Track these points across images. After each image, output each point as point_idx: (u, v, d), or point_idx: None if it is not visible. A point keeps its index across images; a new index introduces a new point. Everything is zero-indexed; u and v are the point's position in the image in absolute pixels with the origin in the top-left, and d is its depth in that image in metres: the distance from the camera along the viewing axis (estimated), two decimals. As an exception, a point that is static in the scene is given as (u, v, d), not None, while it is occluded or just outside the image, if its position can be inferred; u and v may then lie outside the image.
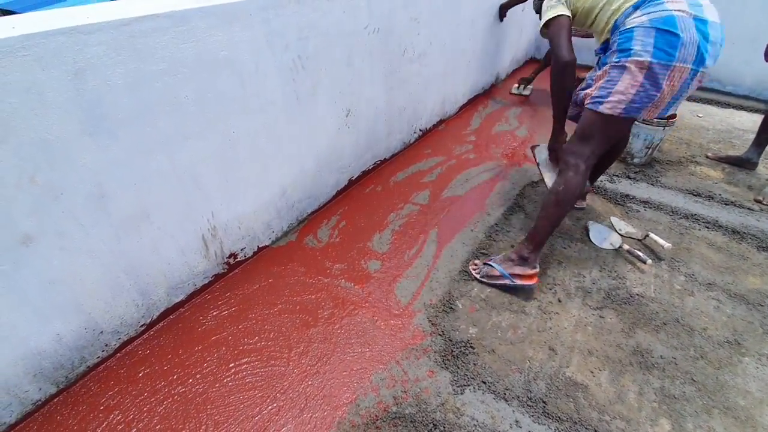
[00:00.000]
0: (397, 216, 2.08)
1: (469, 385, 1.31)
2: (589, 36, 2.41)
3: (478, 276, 1.70)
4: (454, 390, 1.30)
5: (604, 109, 1.45)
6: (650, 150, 2.52)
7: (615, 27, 1.45)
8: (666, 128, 2.39)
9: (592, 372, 1.38)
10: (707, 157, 2.69)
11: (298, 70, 1.62)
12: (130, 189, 1.22)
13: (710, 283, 1.73)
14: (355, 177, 2.28)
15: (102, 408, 1.23)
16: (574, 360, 1.42)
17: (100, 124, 1.09)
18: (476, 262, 1.76)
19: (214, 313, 1.53)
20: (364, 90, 2.06)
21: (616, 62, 1.41)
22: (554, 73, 1.65)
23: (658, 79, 1.33)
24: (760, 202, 2.24)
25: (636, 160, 2.54)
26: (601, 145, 1.58)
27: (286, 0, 1.46)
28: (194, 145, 1.35)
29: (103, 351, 1.33)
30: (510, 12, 3.36)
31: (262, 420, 1.21)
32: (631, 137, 2.50)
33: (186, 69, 1.23)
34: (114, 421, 1.20)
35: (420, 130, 2.79)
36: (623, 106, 1.42)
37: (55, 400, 1.24)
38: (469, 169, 2.51)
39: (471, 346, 1.44)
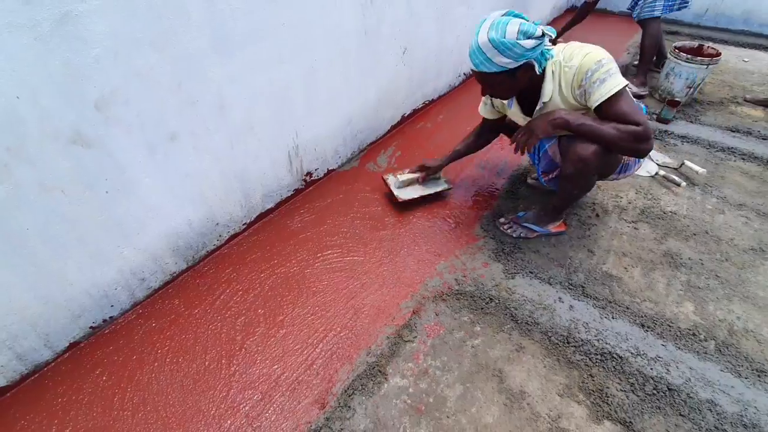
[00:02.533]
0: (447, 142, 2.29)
1: (518, 273, 1.56)
2: None
3: (514, 235, 1.69)
4: (506, 276, 1.55)
5: (616, 177, 1.59)
6: (691, 90, 2.59)
7: None
8: (709, 66, 2.45)
9: (625, 268, 1.60)
10: (745, 99, 2.73)
11: (367, 6, 1.81)
12: (241, 103, 1.47)
13: (741, 204, 1.89)
14: (408, 114, 2.49)
15: (224, 280, 1.55)
16: (609, 259, 1.63)
17: (224, 43, 1.33)
18: (502, 220, 1.74)
19: (299, 219, 1.81)
20: (419, 29, 2.22)
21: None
22: (626, 145, 1.27)
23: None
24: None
25: (677, 99, 2.62)
26: None
27: (362, -63, 1.63)
28: (287, 69, 1.58)
29: (218, 240, 1.64)
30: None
31: (349, 291, 1.50)
32: (672, 77, 2.58)
33: (283, 0, 1.45)
34: (233, 290, 1.51)
35: (464, 73, 2.93)
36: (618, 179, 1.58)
37: (186, 273, 1.57)
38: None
39: (518, 247, 1.68)
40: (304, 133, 1.80)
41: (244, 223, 1.72)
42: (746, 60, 3.31)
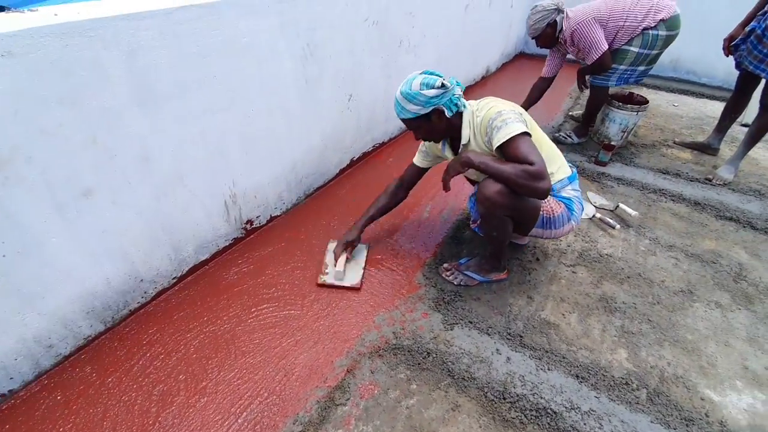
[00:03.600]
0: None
1: (457, 324, 1.54)
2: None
3: (455, 282, 1.71)
4: (444, 327, 1.52)
5: (539, 232, 1.61)
6: (625, 134, 2.75)
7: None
8: (639, 113, 2.63)
9: (563, 314, 1.61)
10: (674, 142, 2.93)
11: (307, 57, 1.84)
12: (168, 154, 1.43)
13: (671, 245, 1.97)
14: (357, 157, 2.50)
15: (145, 342, 1.44)
16: (548, 305, 1.64)
17: (147, 96, 1.30)
18: (446, 266, 1.76)
19: (235, 270, 1.74)
20: (364, 77, 2.27)
21: (567, 213, 1.56)
22: (522, 182, 1.31)
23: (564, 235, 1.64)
24: (709, 180, 2.47)
25: (612, 143, 2.77)
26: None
27: (298, -6, 1.67)
28: (221, 119, 1.56)
29: (142, 297, 1.54)
30: (499, 6, 3.58)
31: (281, 350, 1.42)
32: (608, 122, 2.74)
33: (215, 52, 1.44)
34: (156, 352, 1.41)
35: (415, 117, 3.01)
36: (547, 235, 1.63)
37: (103, 336, 1.45)
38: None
39: (459, 295, 1.67)
40: (242, 182, 1.76)
41: (174, 278, 1.63)
42: (676, 105, 3.59)
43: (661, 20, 2.30)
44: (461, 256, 1.87)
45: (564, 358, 1.43)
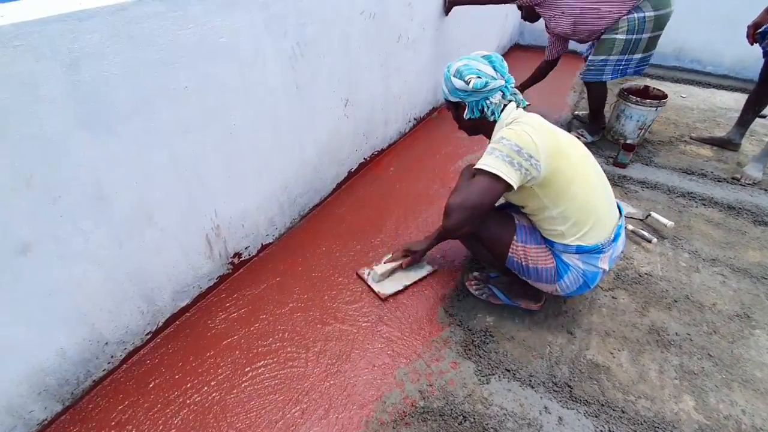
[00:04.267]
0: (401, 208, 2.04)
1: (493, 374, 1.30)
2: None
3: (476, 294, 1.55)
4: (479, 380, 1.28)
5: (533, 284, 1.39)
6: (642, 131, 2.55)
7: (550, 243, 1.29)
8: (658, 108, 2.42)
9: (611, 353, 1.38)
10: (691, 138, 2.74)
11: (297, 58, 1.55)
12: (131, 188, 1.13)
13: (714, 259, 1.77)
14: (355, 169, 2.23)
15: (113, 424, 1.15)
16: (593, 342, 1.42)
17: (98, 118, 1.01)
18: (476, 275, 1.60)
19: (223, 316, 1.46)
20: (361, 78, 1.99)
21: (552, 275, 1.30)
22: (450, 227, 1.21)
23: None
24: (737, 180, 2.29)
25: (629, 141, 2.56)
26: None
27: (285, -17, 1.38)
28: (195, 138, 1.27)
29: (109, 363, 1.25)
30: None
31: (285, 424, 1.16)
32: (624, 119, 2.53)
33: (185, 57, 1.15)
34: (128, 437, 1.13)
35: (414, 118, 2.75)
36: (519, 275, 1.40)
37: (62, 418, 1.16)
38: (466, 156, 2.49)
39: (490, 335, 1.43)
40: (225, 210, 1.47)
41: (149, 333, 1.34)
42: (684, 96, 3.41)
43: (637, 6, 2.12)
44: (487, 281, 1.62)
45: (624, 412, 1.21)
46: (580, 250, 1.25)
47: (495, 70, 1.23)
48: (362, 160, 2.29)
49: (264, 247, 1.73)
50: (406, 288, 1.58)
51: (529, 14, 2.50)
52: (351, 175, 2.21)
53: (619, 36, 2.18)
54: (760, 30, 2.17)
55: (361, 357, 1.34)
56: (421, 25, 2.37)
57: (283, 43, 1.46)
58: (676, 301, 1.57)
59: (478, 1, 2.56)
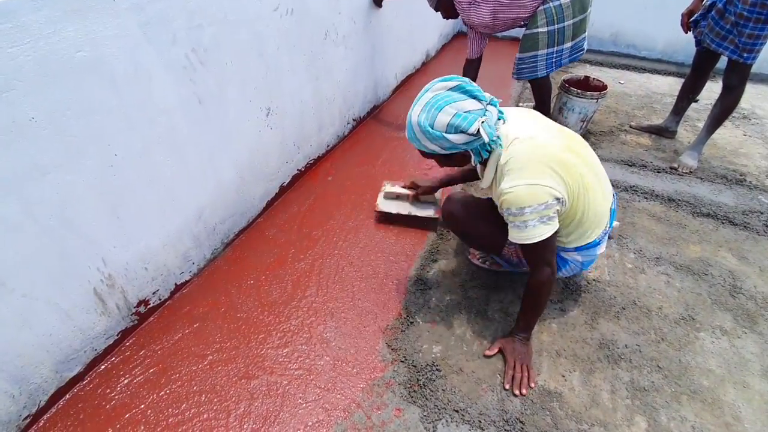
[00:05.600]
0: (341, 224, 1.86)
1: (440, 419, 1.17)
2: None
3: (482, 265, 1.63)
4: (425, 428, 1.15)
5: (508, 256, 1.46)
6: (585, 123, 2.51)
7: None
8: (599, 100, 2.39)
9: (563, 376, 1.31)
10: (630, 127, 2.75)
11: (195, 67, 1.31)
12: (-36, 255, 0.88)
13: (657, 257, 1.74)
14: (287, 182, 2.02)
15: None
16: (544, 365, 1.33)
17: None
18: (475, 253, 1.66)
19: (126, 381, 1.23)
20: (284, 83, 1.77)
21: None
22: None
23: None
24: (675, 169, 2.30)
25: (572, 134, 2.51)
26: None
27: (164, -22, 1.13)
28: (59, 180, 1.02)
29: (-32, 468, 1.00)
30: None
31: None
32: (566, 112, 2.48)
33: (23, 81, 0.89)
34: None
35: (353, 119, 2.55)
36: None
37: None
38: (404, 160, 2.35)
39: (437, 369, 1.30)
40: (118, 256, 1.23)
41: (27, 417, 1.10)
42: (622, 82, 3.44)
43: None
44: (430, 305, 1.50)
45: (577, 446, 1.13)
46: (579, 249, 1.30)
47: (478, 99, 1.07)
48: (296, 172, 2.08)
49: (179, 287, 1.50)
50: (399, 216, 1.76)
51: (448, 10, 2.24)
52: (283, 189, 2.00)
53: (540, 30, 2.05)
54: (692, 18, 2.16)
55: (292, 416, 1.17)
56: (352, 18, 2.17)
57: (172, 52, 1.22)
58: (624, 309, 1.52)
59: None
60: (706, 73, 2.35)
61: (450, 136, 1.05)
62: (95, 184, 1.11)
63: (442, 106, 1.04)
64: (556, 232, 1.13)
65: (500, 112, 1.11)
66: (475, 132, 1.03)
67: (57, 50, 0.94)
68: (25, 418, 1.10)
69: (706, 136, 2.30)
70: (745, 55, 1.97)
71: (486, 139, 1.05)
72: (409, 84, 3.30)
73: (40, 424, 1.13)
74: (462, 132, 1.04)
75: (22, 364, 1.06)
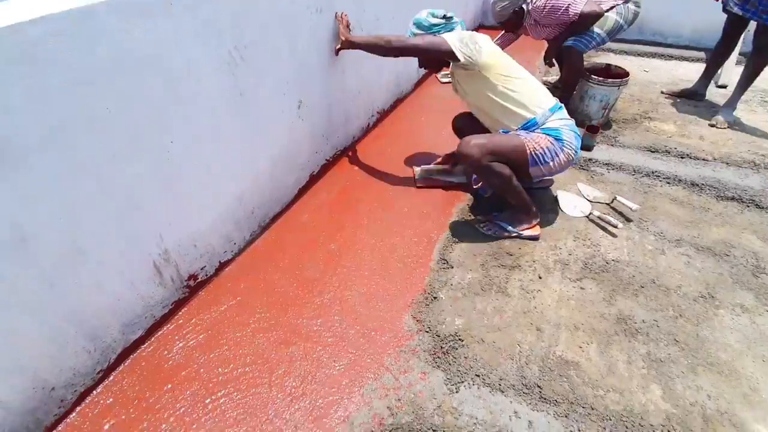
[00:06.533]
0: (368, 209, 1.98)
1: (463, 382, 1.27)
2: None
3: (489, 233, 1.81)
4: (448, 389, 1.25)
5: (538, 170, 1.69)
6: (606, 111, 2.53)
7: (533, 122, 1.63)
8: (620, 87, 2.41)
9: (581, 347, 1.38)
10: (662, 93, 2.94)
11: (237, 63, 1.45)
12: (56, 225, 1.04)
13: (678, 240, 1.77)
14: (317, 171, 2.15)
15: (64, 475, 1.08)
16: (562, 337, 1.41)
17: (4, 154, 0.90)
18: (481, 218, 1.87)
19: (181, 345, 1.39)
20: (314, 77, 1.90)
21: (557, 143, 1.63)
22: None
23: (568, 165, 1.72)
24: (713, 126, 2.53)
25: (594, 122, 2.54)
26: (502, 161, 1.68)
27: (213, -16, 1.27)
28: (125, 164, 1.17)
29: (59, 408, 1.17)
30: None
31: (250, 457, 1.11)
32: (587, 99, 2.51)
33: (102, 76, 1.04)
34: (80, 488, 1.06)
35: (377, 111, 2.66)
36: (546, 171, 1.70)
37: (6, 474, 1.08)
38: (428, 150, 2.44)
39: (459, 339, 1.40)
40: (172, 234, 1.39)
41: (100, 371, 1.27)
42: (647, 70, 3.41)
43: None
44: (452, 283, 1.59)
45: (593, 409, 1.20)
46: (552, 110, 1.65)
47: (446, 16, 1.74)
48: (324, 162, 2.21)
49: (223, 265, 1.65)
50: (442, 184, 2.13)
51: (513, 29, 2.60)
52: (314, 178, 2.13)
53: (611, 15, 2.35)
54: None
55: (327, 376, 1.29)
56: (375, 15, 2.27)
57: (218, 50, 1.36)
58: (642, 287, 1.57)
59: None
60: (734, 37, 2.54)
61: (430, 18, 1.71)
62: (155, 167, 1.26)
63: (423, 12, 1.76)
64: (450, 56, 1.62)
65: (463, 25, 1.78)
66: (442, 16, 1.71)
67: (127, 49, 1.08)
68: (99, 372, 1.27)
69: (739, 94, 2.47)
70: (765, 16, 2.10)
71: (454, 19, 1.74)
72: (431, 78, 3.38)
73: (110, 378, 1.29)
74: (435, 17, 1.71)
75: (96, 324, 1.22)
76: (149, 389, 1.26)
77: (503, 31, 2.67)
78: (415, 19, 1.73)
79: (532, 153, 1.61)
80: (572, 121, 1.69)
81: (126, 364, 1.33)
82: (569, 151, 1.65)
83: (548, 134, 1.61)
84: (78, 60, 0.99)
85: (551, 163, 1.64)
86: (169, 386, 1.27)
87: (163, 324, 1.44)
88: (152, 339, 1.40)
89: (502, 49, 2.63)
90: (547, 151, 1.61)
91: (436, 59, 1.82)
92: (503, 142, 1.64)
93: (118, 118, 1.11)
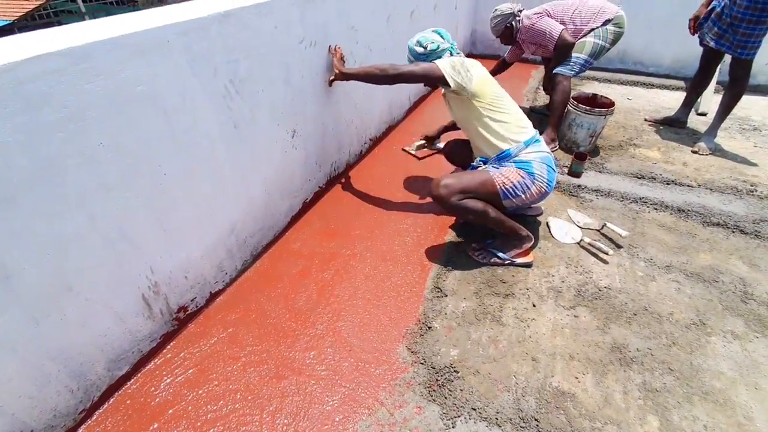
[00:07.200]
0: (360, 236, 1.98)
1: (459, 416, 1.25)
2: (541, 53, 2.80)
3: (483, 261, 1.81)
4: (445, 424, 1.23)
5: (510, 203, 1.72)
6: (593, 138, 2.60)
7: (506, 154, 1.69)
8: (606, 117, 2.48)
9: (576, 378, 1.36)
10: (645, 120, 3.05)
11: (232, 96, 1.47)
12: (41, 261, 1.02)
13: (668, 266, 1.80)
14: (309, 199, 2.15)
15: None
16: (557, 367, 1.39)
17: (-9, 192, 0.89)
18: (475, 246, 1.86)
19: (168, 380, 1.34)
20: (307, 107, 1.92)
21: (527, 177, 1.67)
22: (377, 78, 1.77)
23: (543, 197, 1.77)
24: (696, 153, 2.62)
25: (581, 149, 2.60)
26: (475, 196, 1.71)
27: (209, 21, 1.30)
28: (119, 196, 1.16)
29: (34, 453, 1.12)
30: (444, 9, 3.40)
31: (239, 501, 1.06)
32: (575, 128, 2.58)
33: (95, 112, 1.05)
34: None
35: (370, 139, 2.70)
36: (519, 203, 1.74)
37: None
38: (420, 177, 2.46)
39: (455, 370, 1.38)
40: (163, 265, 1.37)
41: (82, 411, 1.22)
42: (630, 98, 3.53)
43: (606, 20, 2.45)
44: (446, 312, 1.58)
45: (591, 443, 1.18)
46: (527, 143, 1.68)
47: (442, 38, 1.77)
48: (317, 189, 2.21)
49: (213, 296, 1.63)
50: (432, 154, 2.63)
51: (509, 42, 2.83)
52: (306, 205, 2.13)
53: (589, 39, 2.47)
54: (697, 22, 2.47)
55: (320, 412, 1.26)
56: (368, 46, 2.34)
57: (213, 83, 1.38)
58: (635, 314, 1.58)
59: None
60: (711, 69, 2.70)
61: (416, 47, 1.76)
62: (147, 200, 1.25)
63: (423, 32, 1.80)
64: (443, 81, 1.67)
65: (460, 54, 1.80)
66: (425, 47, 1.74)
67: (121, 86, 1.09)
68: (81, 411, 1.22)
69: (719, 122, 2.58)
70: (739, 50, 2.30)
71: (427, 52, 1.75)
72: (422, 105, 3.46)
73: (93, 417, 1.24)
74: (421, 46, 1.75)
75: (81, 362, 1.18)
76: (134, 430, 1.21)
77: (510, 48, 2.94)
78: (408, 46, 1.80)
79: (502, 187, 1.66)
80: (547, 154, 1.72)
81: (110, 402, 1.28)
82: (540, 184, 1.68)
83: (520, 167, 1.66)
84: (72, 98, 1.00)
85: (522, 196, 1.68)
86: (156, 426, 1.22)
87: (151, 358, 1.40)
88: (139, 375, 1.36)
89: (511, 62, 3.01)
90: (517, 185, 1.66)
91: (431, 84, 1.86)
92: (472, 179, 1.68)
93: (111, 152, 1.11)
